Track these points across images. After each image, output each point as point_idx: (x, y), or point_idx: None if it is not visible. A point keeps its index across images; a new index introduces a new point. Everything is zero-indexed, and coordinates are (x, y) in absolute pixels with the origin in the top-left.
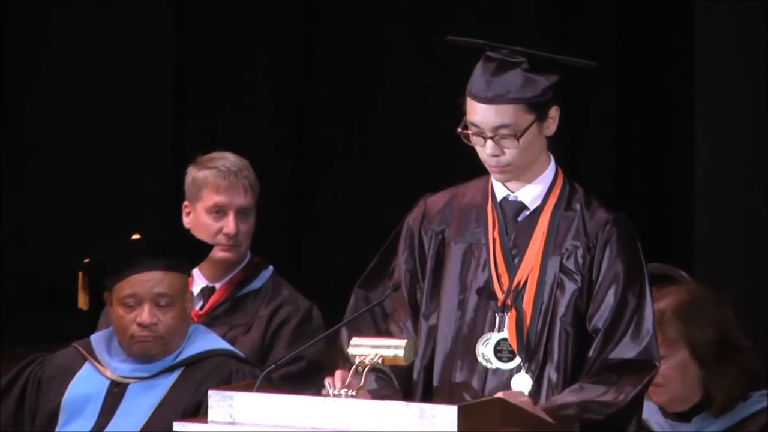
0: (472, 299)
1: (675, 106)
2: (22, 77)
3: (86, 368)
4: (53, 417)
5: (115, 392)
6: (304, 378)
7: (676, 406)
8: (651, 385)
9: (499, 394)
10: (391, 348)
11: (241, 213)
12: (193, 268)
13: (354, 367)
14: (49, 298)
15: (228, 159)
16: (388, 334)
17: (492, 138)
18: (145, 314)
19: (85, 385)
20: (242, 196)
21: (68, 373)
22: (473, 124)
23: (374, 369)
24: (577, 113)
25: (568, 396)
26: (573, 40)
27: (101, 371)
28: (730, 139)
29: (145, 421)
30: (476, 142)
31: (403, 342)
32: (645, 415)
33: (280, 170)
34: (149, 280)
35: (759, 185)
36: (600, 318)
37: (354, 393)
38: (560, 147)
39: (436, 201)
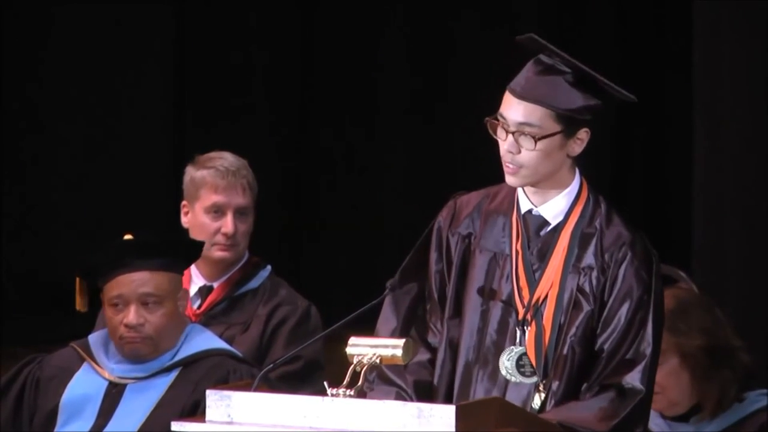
0: (495, 310)
1: (673, 106)
2: (22, 78)
3: (84, 369)
4: (52, 417)
5: (113, 393)
6: (302, 377)
7: (673, 410)
8: None
9: None
10: (389, 348)
11: (239, 212)
12: (186, 267)
13: (352, 366)
14: (48, 298)
15: (226, 159)
16: (428, 345)
17: (513, 134)
18: (131, 315)
19: (84, 386)
20: (240, 196)
21: (66, 374)
22: (502, 116)
23: (394, 384)
24: None
25: (557, 413)
26: (572, 39)
27: (99, 372)
28: (729, 139)
29: (143, 421)
30: (500, 134)
31: (401, 342)
32: None
33: (281, 171)
34: (135, 281)
35: (757, 185)
36: (606, 339)
37: (352, 393)
38: None
39: (465, 202)
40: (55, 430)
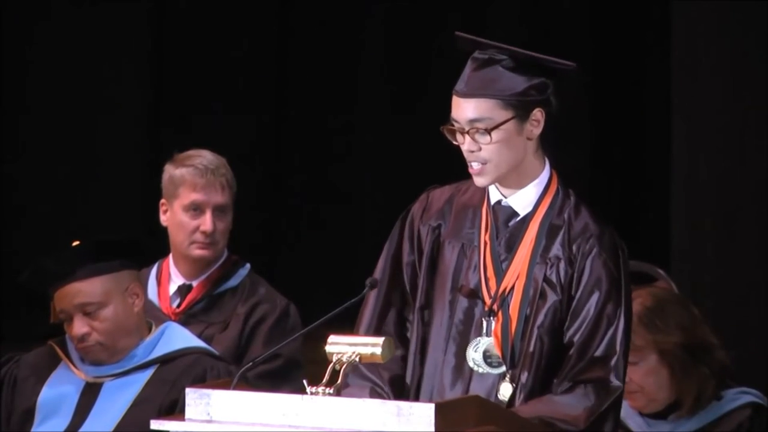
0: (463, 301)
1: (652, 103)
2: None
3: (62, 367)
4: (29, 416)
5: (90, 391)
6: (281, 376)
7: (652, 407)
8: (627, 392)
9: None
10: (369, 346)
11: (218, 211)
12: (129, 262)
13: (331, 365)
14: (32, 299)
15: (205, 157)
16: (404, 340)
17: (468, 132)
18: (75, 327)
19: (60, 385)
20: (219, 194)
21: (44, 372)
22: (454, 120)
23: (368, 380)
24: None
25: (534, 407)
26: (549, 32)
27: (75, 372)
28: (708, 137)
29: (119, 419)
30: (458, 139)
31: (380, 340)
32: (622, 415)
33: (260, 170)
34: (68, 294)
35: (736, 182)
36: (576, 332)
37: (332, 391)
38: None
39: (438, 195)
40: (32, 429)
